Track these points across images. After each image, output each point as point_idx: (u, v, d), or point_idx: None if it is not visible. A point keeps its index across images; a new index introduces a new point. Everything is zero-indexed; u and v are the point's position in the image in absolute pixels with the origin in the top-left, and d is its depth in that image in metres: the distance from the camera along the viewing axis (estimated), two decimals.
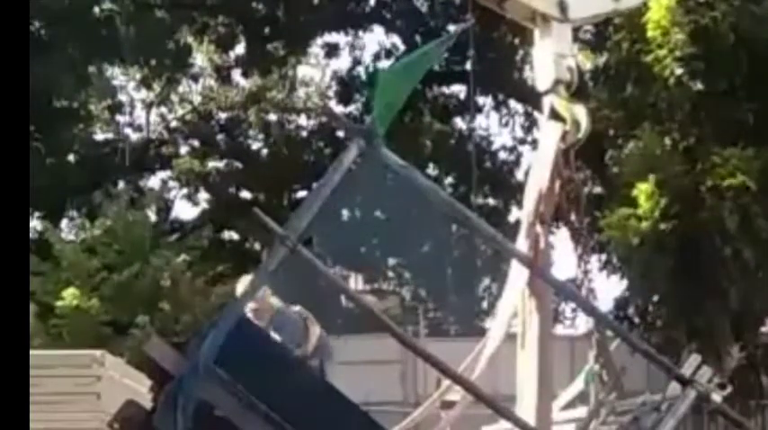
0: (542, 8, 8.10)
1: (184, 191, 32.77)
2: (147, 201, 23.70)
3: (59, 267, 19.76)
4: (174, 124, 33.90)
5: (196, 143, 33.31)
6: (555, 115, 7.90)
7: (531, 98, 26.70)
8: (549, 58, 8.00)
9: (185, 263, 21.02)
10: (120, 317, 19.13)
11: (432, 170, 30.46)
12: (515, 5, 8.16)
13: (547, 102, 8.04)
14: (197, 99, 33.96)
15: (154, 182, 32.26)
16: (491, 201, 31.83)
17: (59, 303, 18.70)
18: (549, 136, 7.88)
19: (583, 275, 7.81)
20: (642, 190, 18.14)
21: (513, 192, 30.48)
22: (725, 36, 17.74)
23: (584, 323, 22.81)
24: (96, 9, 27.55)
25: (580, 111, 7.87)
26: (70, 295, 18.78)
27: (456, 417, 8.34)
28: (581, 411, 8.69)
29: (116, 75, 32.66)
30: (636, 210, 18.19)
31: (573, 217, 7.99)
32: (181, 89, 33.67)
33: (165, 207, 31.37)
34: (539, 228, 7.58)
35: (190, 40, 30.60)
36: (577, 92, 8.02)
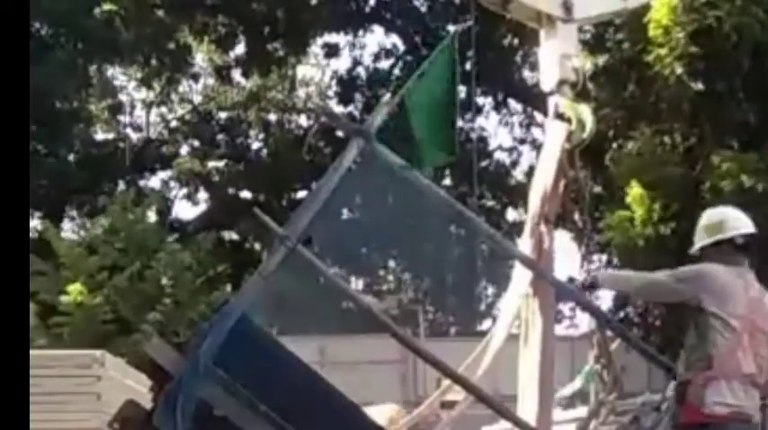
0: (547, 9, 8.10)
1: (184, 191, 32.81)
2: (150, 200, 23.65)
3: (60, 266, 19.75)
4: (174, 124, 33.91)
5: (196, 143, 33.32)
6: (560, 115, 7.90)
7: (531, 98, 26.81)
8: (554, 59, 8.01)
9: (186, 263, 21.02)
10: (124, 315, 19.12)
11: (430, 170, 30.43)
12: (519, 7, 8.17)
13: (552, 102, 8.04)
14: (197, 99, 33.99)
15: (154, 182, 32.34)
16: (490, 202, 31.84)
17: (63, 298, 18.68)
18: (554, 136, 7.88)
19: (586, 275, 7.81)
20: (632, 194, 18.18)
21: (512, 193, 30.52)
22: (727, 36, 17.74)
23: (584, 323, 22.81)
24: (96, 9, 27.55)
25: (585, 112, 7.87)
26: (75, 291, 18.75)
27: (456, 417, 8.34)
28: (581, 411, 8.69)
29: (116, 75, 32.74)
30: (632, 213, 18.21)
31: (577, 217, 8.01)
32: (181, 89, 33.69)
33: (165, 207, 31.39)
34: (543, 228, 7.58)
35: (190, 40, 30.60)
36: (580, 92, 8.03)
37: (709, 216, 7.35)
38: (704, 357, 6.66)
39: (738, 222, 7.30)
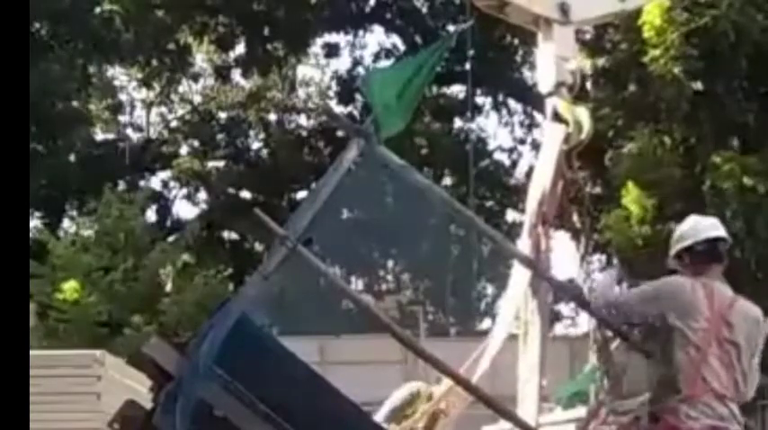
0: (543, 12, 8.13)
1: (184, 191, 32.81)
2: (141, 198, 23.59)
3: (55, 267, 19.73)
4: (174, 124, 33.91)
5: (196, 143, 33.33)
6: (557, 117, 7.92)
7: (531, 98, 26.81)
8: (552, 61, 8.04)
9: (184, 262, 21.04)
10: (118, 314, 19.11)
11: (431, 170, 30.46)
12: (517, 10, 8.20)
13: (549, 104, 8.06)
14: (197, 99, 33.98)
15: (154, 182, 32.34)
16: (489, 202, 31.84)
17: (59, 296, 18.67)
18: (552, 138, 7.90)
19: (585, 276, 7.81)
20: (628, 194, 18.20)
21: (512, 193, 30.51)
22: (723, 36, 17.74)
23: (584, 323, 22.83)
24: (96, 9, 27.57)
25: (582, 113, 7.90)
26: (70, 288, 18.74)
27: (456, 417, 8.34)
28: (581, 411, 8.68)
29: (116, 75, 32.75)
30: (629, 212, 18.24)
31: (575, 218, 8.01)
32: (181, 89, 33.70)
33: (164, 206, 31.40)
34: (540, 229, 7.60)
35: (190, 40, 30.61)
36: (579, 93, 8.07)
37: (676, 230, 7.09)
38: (670, 379, 6.54)
39: (696, 230, 6.84)
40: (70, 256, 19.81)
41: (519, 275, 7.74)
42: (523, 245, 7.65)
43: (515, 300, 7.77)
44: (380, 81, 6.37)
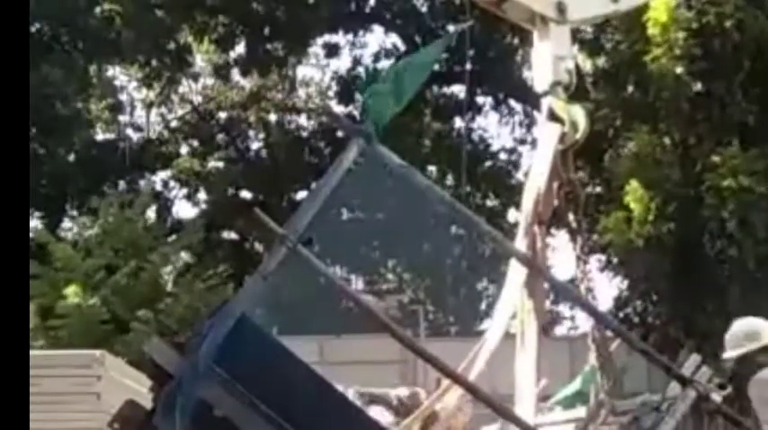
0: (540, 10, 8.15)
1: (184, 191, 32.81)
2: (143, 199, 23.59)
3: (56, 269, 19.72)
4: (174, 124, 33.91)
5: (196, 143, 33.33)
6: (553, 117, 7.94)
7: (531, 97, 26.80)
8: (548, 60, 8.05)
9: (184, 262, 21.04)
10: (120, 316, 19.11)
11: (431, 170, 30.47)
12: (514, 7, 8.22)
13: (545, 103, 8.08)
14: (197, 99, 33.98)
15: (154, 182, 32.30)
16: (491, 202, 31.83)
17: (61, 302, 18.65)
18: (548, 137, 7.92)
19: (582, 275, 7.82)
20: (631, 193, 18.20)
21: (513, 193, 30.49)
22: (726, 35, 17.74)
23: (584, 323, 22.83)
24: (96, 9, 27.57)
25: (578, 113, 7.91)
26: (72, 293, 18.72)
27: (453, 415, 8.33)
28: (581, 411, 8.69)
29: (116, 75, 32.76)
30: (630, 213, 18.24)
31: (571, 217, 8.02)
32: (181, 89, 33.69)
33: (164, 206, 31.39)
34: (536, 229, 7.61)
35: (190, 40, 30.61)
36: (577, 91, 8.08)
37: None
38: None
39: None
40: (70, 258, 19.79)
41: (516, 275, 7.75)
42: (520, 245, 7.67)
43: (512, 299, 7.79)
44: (379, 90, 6.37)
